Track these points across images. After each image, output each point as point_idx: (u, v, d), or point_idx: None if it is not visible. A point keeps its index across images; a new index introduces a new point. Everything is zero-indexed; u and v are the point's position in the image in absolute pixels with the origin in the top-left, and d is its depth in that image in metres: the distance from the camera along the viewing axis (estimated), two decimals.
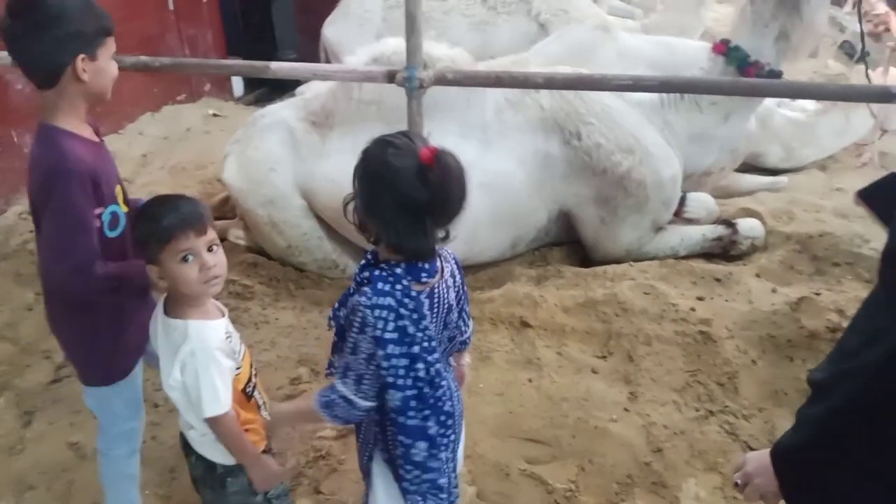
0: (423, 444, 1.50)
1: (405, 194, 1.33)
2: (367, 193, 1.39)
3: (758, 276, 3.25)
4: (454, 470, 1.64)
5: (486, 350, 2.81)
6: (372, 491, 1.64)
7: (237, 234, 3.64)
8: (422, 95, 2.69)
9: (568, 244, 3.62)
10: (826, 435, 1.13)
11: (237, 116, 5.54)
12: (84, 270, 1.61)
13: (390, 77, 2.72)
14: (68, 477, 2.35)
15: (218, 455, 1.64)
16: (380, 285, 1.40)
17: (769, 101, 4.19)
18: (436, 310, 1.47)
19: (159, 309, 1.61)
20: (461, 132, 3.15)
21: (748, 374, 2.66)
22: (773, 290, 3.10)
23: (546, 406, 2.56)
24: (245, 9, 6.54)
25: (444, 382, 1.49)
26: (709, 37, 4.73)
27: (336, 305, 1.54)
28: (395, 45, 3.08)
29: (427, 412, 1.48)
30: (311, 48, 5.68)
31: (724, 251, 3.48)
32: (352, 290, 1.50)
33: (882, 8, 3.90)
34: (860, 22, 3.31)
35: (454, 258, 1.57)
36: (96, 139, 1.77)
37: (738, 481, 1.32)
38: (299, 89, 4.05)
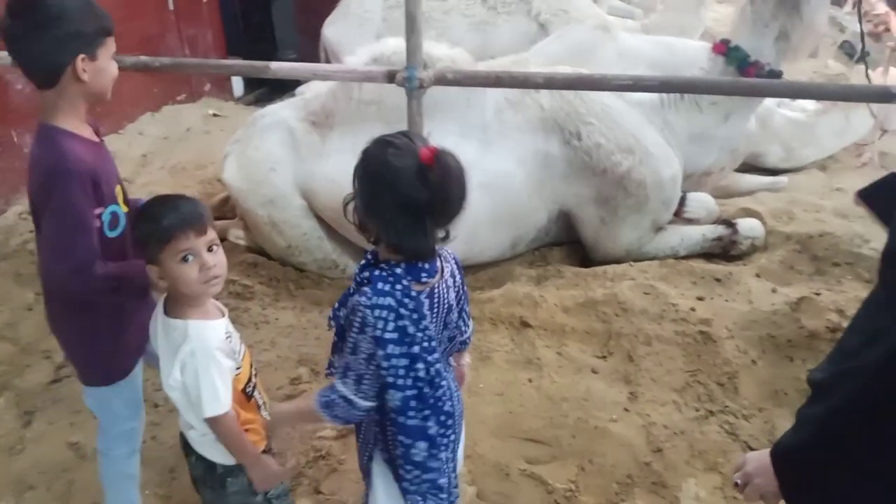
0: (423, 444, 1.50)
1: (405, 194, 1.33)
2: (367, 193, 1.39)
3: (758, 276, 3.25)
4: (454, 470, 1.64)
5: (486, 350, 2.81)
6: (372, 491, 1.64)
7: (237, 234, 3.64)
8: (422, 95, 2.69)
9: (568, 244, 3.62)
10: (826, 435, 1.13)
11: (237, 116, 5.55)
12: (84, 270, 1.61)
13: (390, 77, 2.72)
14: (68, 477, 2.35)
15: (218, 455, 1.64)
16: (380, 285, 1.40)
17: (769, 101, 4.19)
18: (436, 310, 1.46)
19: (159, 309, 1.61)
20: (461, 132, 3.15)
21: (748, 374, 2.66)
22: (773, 290, 3.10)
23: (546, 406, 2.56)
24: (245, 9, 6.54)
25: (444, 382, 1.49)
26: (709, 37, 4.74)
27: (336, 305, 1.54)
28: (395, 45, 3.08)
29: (427, 412, 1.48)
30: (311, 48, 5.68)
31: (724, 251, 3.48)
32: (352, 290, 1.50)
33: (882, 8, 3.90)
34: (860, 22, 3.32)
35: (454, 258, 1.57)
36: (96, 139, 1.77)
37: (738, 481, 1.32)
38: (299, 89, 4.05)
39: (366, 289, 1.41)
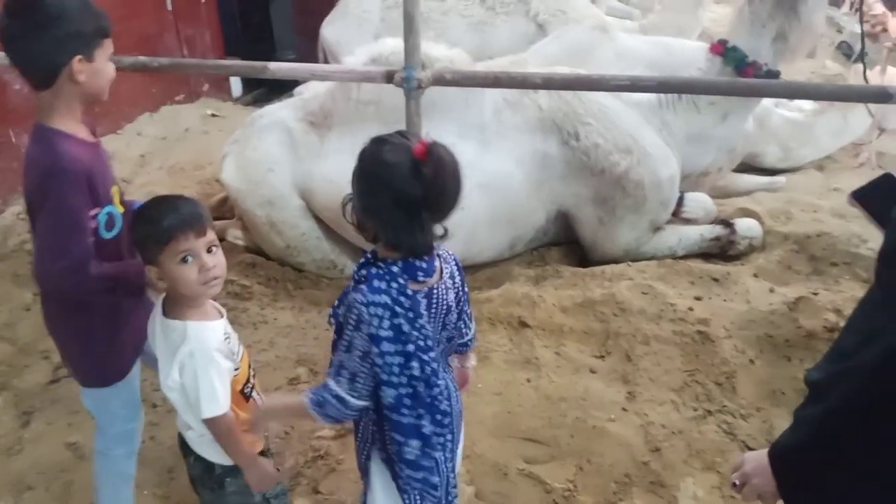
0: (415, 443, 1.50)
1: (400, 190, 1.34)
2: (363, 191, 1.41)
3: (755, 275, 3.26)
4: (453, 470, 1.64)
5: (485, 350, 2.81)
6: (370, 490, 1.64)
7: (235, 235, 3.64)
8: (420, 96, 2.69)
9: (566, 244, 3.62)
10: (823, 435, 1.14)
11: (235, 117, 5.54)
12: (79, 270, 1.61)
13: (389, 77, 2.72)
14: (67, 477, 2.35)
15: (216, 455, 1.64)
16: (376, 283, 1.41)
17: (767, 101, 4.20)
18: (434, 310, 1.47)
19: (157, 309, 1.61)
20: (459, 132, 3.15)
21: (746, 374, 2.66)
22: (771, 290, 3.10)
23: (544, 406, 2.57)
24: (243, 9, 6.54)
25: (440, 382, 1.49)
26: (706, 37, 4.73)
27: (336, 303, 1.54)
28: (393, 45, 3.08)
29: (421, 411, 1.49)
30: (309, 48, 5.68)
31: (722, 251, 3.49)
32: (351, 289, 1.50)
33: (879, 8, 3.92)
34: (861, 22, 3.32)
35: (455, 259, 1.58)
36: (93, 140, 1.76)
37: (736, 481, 1.32)
38: (298, 89, 4.06)
39: (362, 286, 1.42)
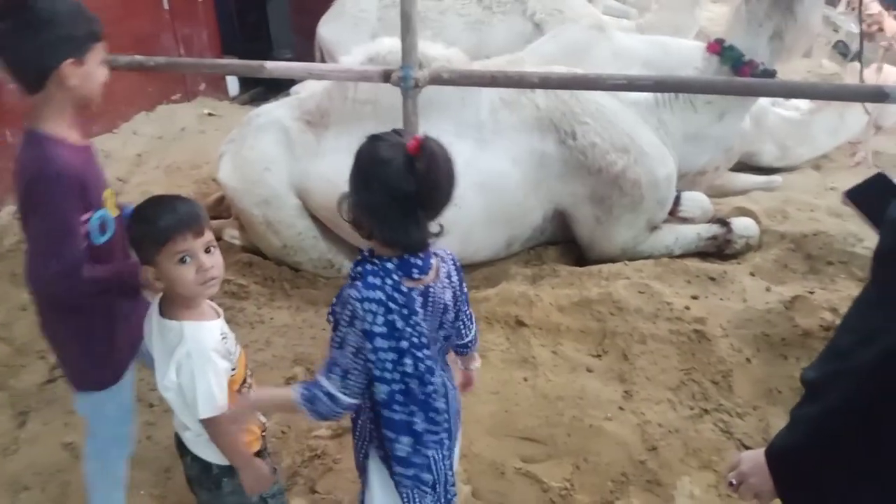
0: (406, 440, 1.50)
1: (394, 185, 1.35)
2: (358, 188, 1.41)
3: (752, 274, 3.26)
4: (451, 468, 1.65)
5: (482, 349, 2.81)
6: (368, 489, 1.64)
7: (232, 234, 3.64)
8: (417, 95, 2.69)
9: (563, 243, 3.63)
10: (821, 435, 1.14)
11: (232, 116, 5.54)
12: (71, 275, 1.60)
13: (386, 76, 2.72)
14: (63, 478, 2.35)
15: (213, 455, 1.64)
16: (370, 279, 1.42)
17: (763, 100, 4.20)
18: (430, 308, 1.47)
19: (154, 309, 1.61)
20: (456, 131, 3.16)
21: (742, 373, 2.67)
22: (768, 289, 3.11)
23: (541, 405, 2.57)
24: (240, 8, 6.54)
25: (434, 379, 1.49)
26: (703, 36, 4.75)
27: (334, 301, 1.54)
28: (390, 44, 3.08)
29: (414, 408, 1.49)
30: (306, 47, 5.67)
31: (719, 250, 3.49)
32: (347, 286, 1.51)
33: (875, 8, 3.93)
34: (860, 22, 3.33)
35: (453, 259, 1.58)
36: (84, 143, 1.75)
37: (733, 481, 1.32)
38: (294, 88, 4.06)
39: (357, 282, 1.43)
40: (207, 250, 1.55)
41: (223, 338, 1.60)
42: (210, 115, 5.67)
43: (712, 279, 3.20)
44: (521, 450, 2.41)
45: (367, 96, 3.20)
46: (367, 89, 3.17)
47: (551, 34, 4.39)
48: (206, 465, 1.67)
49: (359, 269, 1.47)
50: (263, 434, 1.76)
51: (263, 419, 1.76)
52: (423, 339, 1.45)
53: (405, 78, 2.63)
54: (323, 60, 5.30)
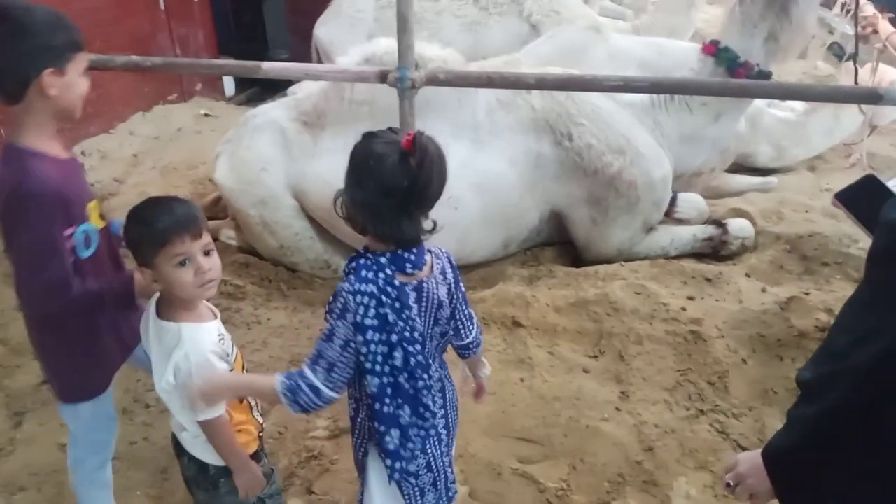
0: (395, 433, 1.51)
1: (388, 181, 1.37)
2: (353, 184, 1.43)
3: (748, 275, 3.28)
4: (450, 465, 1.65)
5: None
6: (366, 486, 1.65)
7: (229, 235, 3.64)
8: (413, 96, 2.69)
9: (559, 244, 3.63)
10: (818, 435, 1.14)
11: (228, 116, 5.53)
12: (58, 291, 1.59)
13: (382, 77, 2.72)
14: (59, 478, 2.34)
15: (210, 456, 1.64)
16: (363, 273, 1.43)
17: (759, 102, 4.21)
18: (424, 304, 1.48)
19: (151, 311, 1.61)
20: (453, 132, 3.16)
21: (738, 374, 2.68)
22: (763, 290, 3.12)
23: (538, 405, 2.57)
24: (236, 8, 6.53)
25: (425, 375, 1.50)
26: (699, 38, 4.75)
27: (330, 300, 1.54)
28: (386, 45, 3.08)
29: (400, 401, 1.49)
30: (302, 48, 5.67)
31: (715, 251, 3.50)
32: None
33: (870, 10, 3.94)
34: (856, 23, 3.34)
35: (448, 256, 1.58)
36: (66, 156, 1.72)
37: (730, 482, 1.32)
38: (291, 89, 4.05)
39: (350, 276, 1.45)
40: (206, 252, 1.55)
41: (220, 339, 1.60)
42: (206, 115, 5.66)
43: (708, 280, 3.21)
44: (518, 450, 2.41)
45: (363, 97, 3.20)
46: (363, 90, 3.17)
47: (547, 35, 4.39)
48: (203, 466, 1.67)
49: (352, 264, 1.48)
50: (261, 435, 1.76)
51: (260, 419, 1.76)
52: (416, 335, 1.46)
53: (402, 79, 2.63)
54: (319, 61, 5.29)
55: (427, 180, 1.38)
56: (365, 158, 1.40)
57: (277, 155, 3.33)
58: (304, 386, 1.44)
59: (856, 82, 3.28)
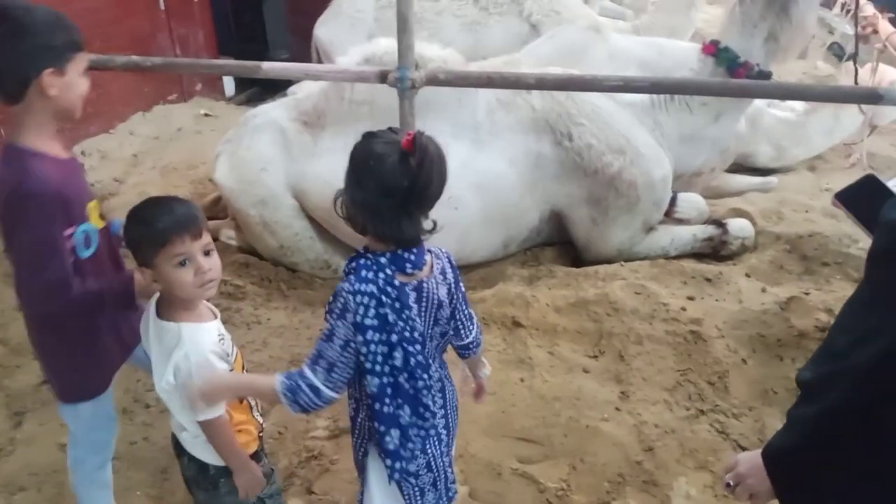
0: (395, 433, 1.51)
1: (389, 181, 1.37)
2: (353, 184, 1.43)
3: (748, 275, 3.28)
4: (450, 465, 1.65)
5: None
6: (366, 486, 1.65)
7: (229, 235, 3.64)
8: (413, 96, 2.69)
9: (559, 244, 3.63)
10: (818, 435, 1.15)
11: (229, 116, 5.53)
12: (60, 292, 1.59)
13: (382, 77, 2.72)
14: (59, 478, 2.34)
15: (210, 456, 1.64)
16: (363, 273, 1.43)
17: (759, 101, 4.22)
18: (424, 304, 1.48)
19: (151, 311, 1.61)
20: (453, 132, 3.16)
21: (738, 374, 2.68)
22: (763, 290, 3.12)
23: (538, 405, 2.57)
24: (236, 8, 6.52)
25: (425, 375, 1.50)
26: (699, 38, 4.75)
27: (330, 300, 1.55)
28: (386, 45, 3.08)
29: (401, 401, 1.50)
30: (302, 48, 5.67)
31: (715, 251, 3.50)
32: None
33: (870, 10, 3.94)
34: (856, 24, 3.34)
35: (448, 256, 1.59)
36: (66, 156, 1.71)
37: (730, 482, 1.32)
38: (291, 89, 4.05)
39: (350, 276, 1.45)
40: (206, 253, 1.55)
41: (220, 339, 1.60)
42: (206, 115, 5.66)
43: (708, 280, 3.21)
44: (518, 450, 2.41)
45: (363, 97, 3.20)
46: (363, 90, 3.18)
47: (547, 35, 4.39)
48: (203, 466, 1.67)
49: (352, 264, 1.49)
50: (261, 435, 1.76)
51: (260, 419, 1.76)
52: (416, 334, 1.46)
53: (402, 79, 2.63)
54: (319, 61, 5.30)
55: (427, 180, 1.38)
56: (365, 158, 1.40)
57: (277, 155, 3.34)
58: (304, 386, 1.44)
59: (856, 82, 3.27)
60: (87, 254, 1.68)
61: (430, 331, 1.52)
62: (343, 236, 3.34)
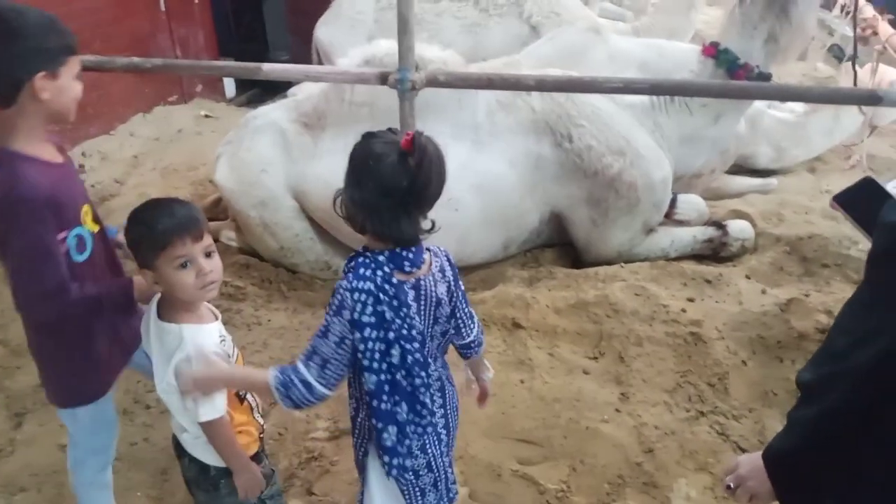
0: (393, 429, 1.52)
1: (388, 181, 1.37)
2: (352, 184, 1.43)
3: (748, 277, 3.28)
4: (450, 465, 1.65)
5: None
6: (366, 485, 1.65)
7: (229, 236, 3.64)
8: (414, 97, 2.70)
9: (560, 246, 3.64)
10: (818, 437, 1.15)
11: (229, 117, 5.54)
12: (54, 297, 1.58)
13: (382, 79, 2.72)
14: (59, 479, 2.34)
15: (211, 457, 1.64)
16: (361, 270, 1.44)
17: (759, 103, 4.22)
18: (423, 302, 1.48)
19: (152, 312, 1.61)
20: (453, 133, 3.16)
21: (738, 375, 2.68)
22: (763, 292, 3.12)
23: (538, 407, 2.57)
24: (236, 9, 6.53)
25: (423, 373, 1.50)
26: (699, 39, 4.76)
27: (330, 301, 1.55)
28: (387, 46, 3.08)
29: (398, 398, 1.50)
30: (303, 49, 5.67)
31: (715, 253, 3.50)
32: None
33: (869, 12, 3.95)
34: (854, 26, 3.35)
35: (446, 255, 1.59)
36: (59, 160, 1.70)
37: (731, 484, 1.33)
38: (291, 90, 4.06)
39: (348, 274, 1.45)
40: (207, 254, 1.55)
41: (221, 340, 1.60)
42: (207, 116, 5.67)
43: (708, 282, 3.21)
44: (518, 452, 2.42)
45: (363, 98, 3.21)
46: (363, 91, 3.18)
47: (547, 37, 4.40)
48: (203, 467, 1.67)
49: (351, 263, 1.49)
50: (261, 436, 1.76)
51: (261, 421, 1.76)
52: (414, 332, 1.47)
53: (402, 80, 2.63)
54: (320, 62, 5.30)
55: (426, 180, 1.39)
56: (364, 158, 1.41)
57: (278, 156, 3.34)
58: (296, 381, 1.44)
59: (855, 84, 3.28)
60: (81, 258, 1.67)
61: (430, 329, 1.52)
62: (343, 237, 3.35)
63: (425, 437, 1.56)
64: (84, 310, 1.65)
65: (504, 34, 5.09)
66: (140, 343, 1.74)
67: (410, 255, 1.45)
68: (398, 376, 1.48)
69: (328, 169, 3.13)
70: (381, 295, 1.42)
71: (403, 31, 2.58)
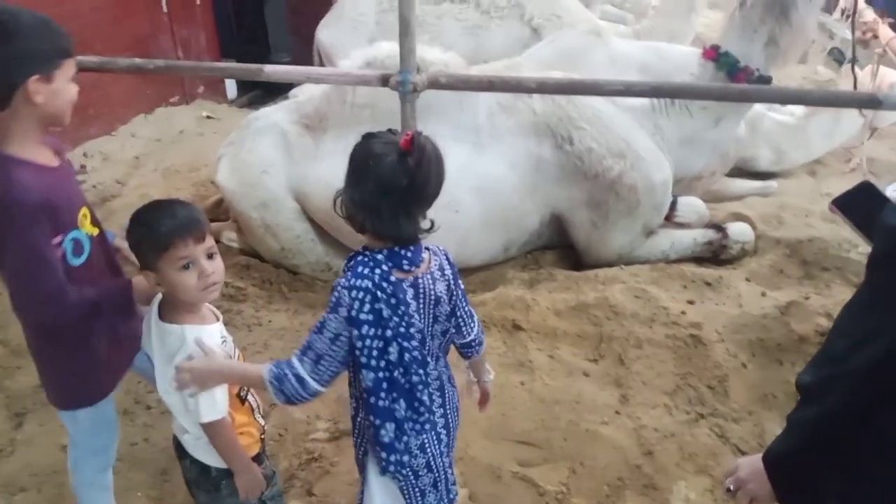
0: (391, 426, 1.52)
1: (387, 180, 1.38)
2: (352, 184, 1.44)
3: (748, 280, 3.28)
4: (450, 465, 1.65)
5: None
6: (366, 485, 1.65)
7: (230, 237, 3.64)
8: (415, 99, 2.70)
9: (560, 248, 3.64)
10: (818, 439, 1.15)
11: (230, 119, 5.55)
12: (53, 301, 1.58)
13: (384, 81, 2.73)
14: (59, 479, 2.34)
15: (212, 458, 1.64)
16: (360, 269, 1.45)
17: (759, 106, 4.22)
18: (422, 300, 1.49)
19: (154, 313, 1.61)
20: (454, 135, 3.17)
21: (738, 378, 2.68)
22: (763, 294, 3.13)
23: (538, 408, 2.57)
24: (238, 11, 6.55)
25: (421, 371, 1.51)
26: (699, 42, 4.77)
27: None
28: (388, 48, 3.09)
29: (396, 395, 1.51)
30: (304, 51, 5.68)
31: (715, 255, 3.51)
32: None
33: (870, 15, 3.96)
34: (853, 29, 3.35)
35: (445, 254, 1.60)
36: (54, 163, 1.67)
37: (731, 486, 1.33)
38: (293, 92, 4.07)
39: (347, 272, 1.47)
40: (209, 256, 1.55)
41: (223, 341, 1.61)
42: (208, 117, 5.68)
43: (708, 284, 3.21)
44: (518, 453, 2.42)
45: (365, 100, 3.21)
46: (365, 93, 3.18)
47: (549, 39, 4.41)
48: (204, 468, 1.67)
49: (350, 262, 1.50)
50: (262, 437, 1.76)
51: (262, 422, 1.77)
52: (412, 330, 1.47)
53: (403, 82, 2.64)
54: (321, 64, 5.31)
55: (425, 179, 1.40)
56: (364, 158, 1.42)
57: (279, 158, 3.35)
58: (290, 375, 1.46)
59: (855, 87, 3.28)
60: (77, 262, 1.66)
61: (429, 328, 1.52)
62: (344, 238, 3.35)
63: (424, 435, 1.56)
64: (83, 313, 1.65)
65: (505, 36, 5.10)
66: (140, 346, 1.74)
67: (409, 254, 1.46)
68: (396, 373, 1.49)
69: (329, 170, 3.14)
70: (379, 293, 1.43)
71: (405, 33, 2.59)
